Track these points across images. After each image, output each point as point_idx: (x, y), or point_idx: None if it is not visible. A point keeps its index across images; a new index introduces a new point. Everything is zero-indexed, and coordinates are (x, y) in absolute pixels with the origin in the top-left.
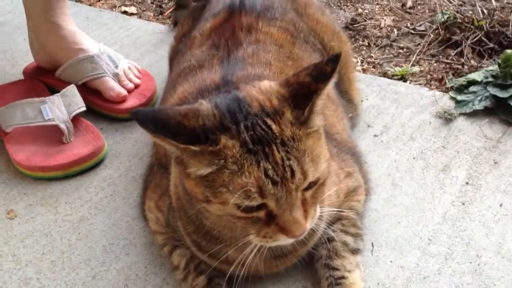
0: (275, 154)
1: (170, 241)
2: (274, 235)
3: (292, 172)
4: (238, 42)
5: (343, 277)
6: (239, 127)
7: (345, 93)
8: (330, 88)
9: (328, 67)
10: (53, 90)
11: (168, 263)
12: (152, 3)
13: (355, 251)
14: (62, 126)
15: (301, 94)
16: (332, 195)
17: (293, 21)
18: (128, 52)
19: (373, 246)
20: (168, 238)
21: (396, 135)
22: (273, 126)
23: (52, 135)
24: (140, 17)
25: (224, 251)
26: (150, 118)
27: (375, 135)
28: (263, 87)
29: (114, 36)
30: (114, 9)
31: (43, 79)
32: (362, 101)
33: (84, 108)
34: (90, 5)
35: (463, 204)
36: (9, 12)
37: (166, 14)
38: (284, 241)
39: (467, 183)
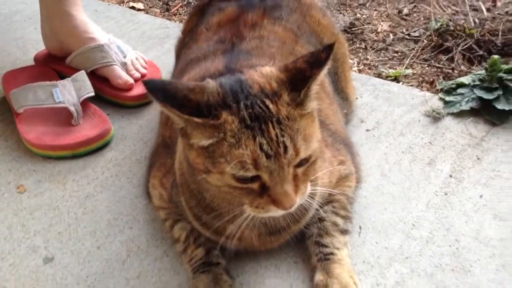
0: (270, 131)
1: (172, 215)
2: (266, 206)
3: (285, 148)
4: (242, 37)
5: (331, 254)
6: (239, 105)
7: (341, 91)
8: (325, 78)
9: (323, 55)
10: (62, 76)
11: (169, 236)
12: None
13: (344, 232)
14: (72, 109)
15: (298, 79)
16: (325, 178)
17: (297, 22)
18: (136, 44)
19: (360, 229)
20: (170, 213)
21: (387, 130)
22: (271, 106)
23: (61, 117)
24: (147, 12)
25: (222, 224)
26: (160, 88)
27: (367, 130)
28: (264, 72)
29: (122, 29)
30: (122, 4)
31: (53, 65)
32: (356, 98)
33: (92, 93)
34: None
35: (446, 194)
36: (21, 2)
37: (172, 11)
38: (275, 212)
39: (450, 176)
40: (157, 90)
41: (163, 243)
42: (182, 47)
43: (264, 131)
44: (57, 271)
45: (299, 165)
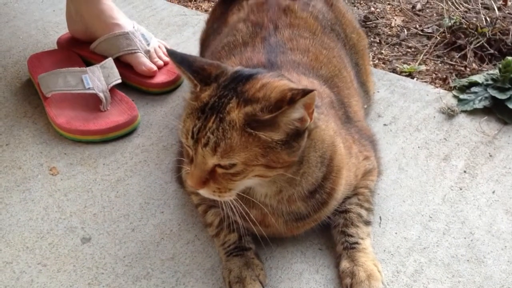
0: (209, 121)
1: (205, 201)
2: (188, 174)
3: (207, 141)
4: (275, 24)
5: (356, 243)
6: (219, 90)
7: (363, 84)
8: (351, 72)
9: (297, 96)
10: (85, 61)
11: (201, 221)
12: None
13: (367, 223)
14: (101, 95)
15: (278, 106)
16: (351, 175)
17: (322, 11)
18: (155, 31)
19: (381, 219)
20: (203, 199)
21: (404, 125)
22: (230, 105)
23: (89, 103)
24: None
25: (246, 209)
26: (180, 55)
27: (384, 124)
28: (273, 83)
29: (141, 14)
30: None
31: (76, 50)
32: (373, 93)
33: (120, 80)
34: None
35: (461, 189)
36: None
37: None
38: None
39: (464, 172)
40: (177, 55)
41: (194, 228)
42: (208, 35)
43: (207, 119)
44: (95, 251)
45: (221, 166)
